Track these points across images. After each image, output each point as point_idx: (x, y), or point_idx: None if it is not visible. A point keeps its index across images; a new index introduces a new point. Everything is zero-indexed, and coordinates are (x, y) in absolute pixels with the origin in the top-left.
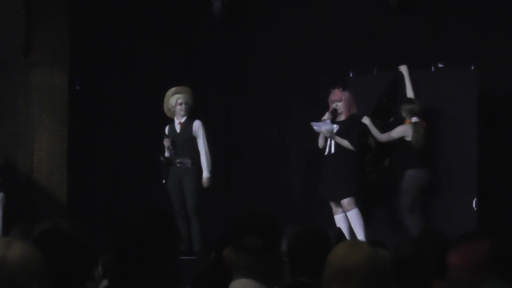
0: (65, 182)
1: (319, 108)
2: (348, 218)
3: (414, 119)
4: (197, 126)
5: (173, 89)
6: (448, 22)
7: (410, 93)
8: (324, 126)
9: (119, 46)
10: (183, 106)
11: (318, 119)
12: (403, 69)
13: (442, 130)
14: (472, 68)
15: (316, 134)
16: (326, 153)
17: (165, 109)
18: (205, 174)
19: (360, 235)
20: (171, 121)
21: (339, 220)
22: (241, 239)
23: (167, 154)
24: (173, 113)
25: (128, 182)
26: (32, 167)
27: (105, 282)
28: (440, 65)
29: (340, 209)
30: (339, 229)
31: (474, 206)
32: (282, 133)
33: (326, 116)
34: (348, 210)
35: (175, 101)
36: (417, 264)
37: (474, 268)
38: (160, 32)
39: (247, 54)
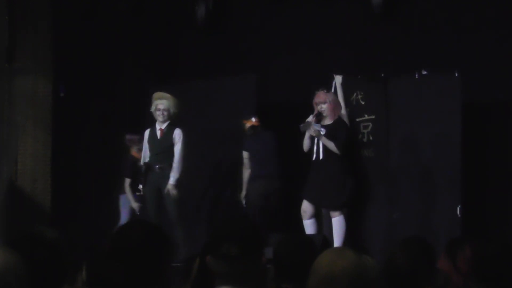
0: (48, 189)
1: (302, 113)
2: (332, 224)
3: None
4: (178, 134)
5: (156, 94)
6: (432, 29)
7: (341, 103)
8: (308, 126)
9: (103, 53)
10: (162, 112)
11: (302, 123)
12: (337, 79)
13: (425, 137)
14: (456, 75)
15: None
16: (313, 158)
17: (151, 111)
18: (171, 181)
19: (337, 243)
20: (152, 125)
21: (308, 225)
22: (218, 247)
23: (145, 159)
24: (155, 117)
25: (111, 189)
26: (16, 174)
27: None
28: (424, 72)
29: (310, 214)
30: (325, 236)
31: (458, 213)
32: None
33: (310, 118)
34: (334, 217)
35: (155, 106)
36: (410, 272)
37: (463, 274)
38: (144, 38)
39: (230, 61)
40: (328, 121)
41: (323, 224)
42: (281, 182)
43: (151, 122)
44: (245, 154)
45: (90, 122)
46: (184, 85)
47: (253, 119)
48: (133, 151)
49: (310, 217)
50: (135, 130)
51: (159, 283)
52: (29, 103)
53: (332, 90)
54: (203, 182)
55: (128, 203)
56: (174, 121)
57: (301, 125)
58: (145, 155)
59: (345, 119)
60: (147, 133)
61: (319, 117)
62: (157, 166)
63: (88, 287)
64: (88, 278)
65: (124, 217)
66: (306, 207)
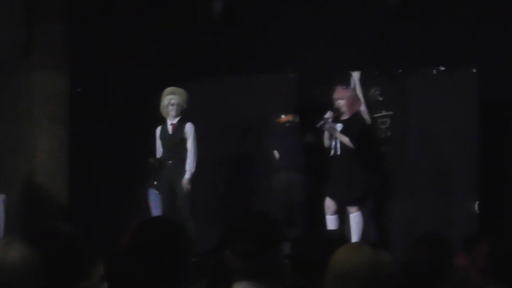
0: (66, 184)
1: (321, 108)
2: (350, 220)
3: None
4: (189, 128)
5: (168, 89)
6: (449, 24)
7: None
8: (325, 123)
9: (120, 48)
10: (175, 107)
11: (320, 119)
12: (355, 75)
13: (442, 133)
14: (473, 71)
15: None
16: (332, 153)
17: (160, 108)
18: (187, 175)
19: (355, 239)
20: (164, 122)
21: (330, 220)
22: (234, 243)
23: (158, 156)
24: (166, 113)
25: (129, 184)
26: (33, 170)
27: (105, 285)
28: (441, 68)
29: (334, 210)
30: (342, 231)
31: (476, 209)
32: (259, 135)
33: (328, 114)
34: (352, 212)
35: (168, 101)
36: (430, 268)
37: (480, 270)
38: (161, 33)
39: (247, 56)
40: (345, 117)
41: (346, 220)
42: (303, 174)
43: (162, 120)
44: (276, 153)
45: (107, 117)
46: (217, 80)
47: (284, 116)
48: None
49: (334, 213)
50: (153, 126)
51: (178, 279)
52: (46, 98)
53: (351, 86)
54: (220, 178)
55: (158, 198)
56: (184, 116)
57: (318, 124)
58: (158, 151)
59: (365, 115)
60: (158, 130)
61: (338, 113)
62: (169, 161)
63: (106, 282)
64: (106, 273)
65: (155, 213)
66: (329, 202)
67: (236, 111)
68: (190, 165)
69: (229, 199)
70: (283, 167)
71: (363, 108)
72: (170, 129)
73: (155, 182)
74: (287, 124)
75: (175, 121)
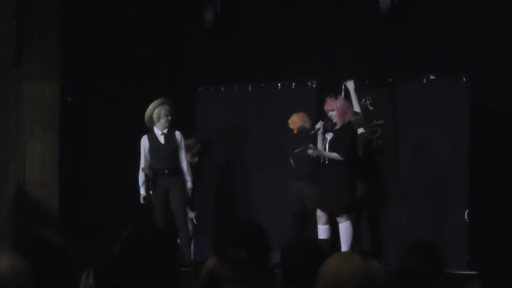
0: (56, 194)
1: (313, 117)
2: (339, 229)
3: (360, 130)
4: (180, 137)
5: (160, 100)
6: (439, 33)
7: (356, 107)
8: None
9: (110, 58)
10: (169, 118)
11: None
12: (349, 84)
13: (433, 142)
14: (464, 79)
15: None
16: (320, 162)
17: (147, 118)
18: (189, 184)
19: (344, 249)
20: (148, 132)
21: (322, 230)
22: (225, 250)
23: (146, 165)
24: (155, 123)
25: (119, 193)
26: (23, 179)
27: None
28: (432, 77)
29: (325, 220)
30: (330, 240)
31: (466, 217)
32: (274, 142)
33: (319, 125)
34: (341, 222)
35: (163, 112)
36: (422, 276)
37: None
38: (151, 43)
39: (238, 65)
40: (337, 127)
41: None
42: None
43: (145, 129)
44: (291, 161)
45: (97, 126)
46: (241, 86)
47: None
48: (187, 156)
49: (325, 223)
50: (144, 134)
51: None
52: (37, 108)
53: (342, 96)
54: (222, 186)
55: None
56: (172, 125)
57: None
58: (145, 161)
59: (361, 123)
60: (145, 140)
61: (329, 124)
62: (166, 170)
63: None
64: (96, 282)
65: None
66: (320, 212)
67: (252, 118)
68: (189, 175)
69: (230, 207)
70: (296, 176)
71: (360, 114)
72: (161, 138)
73: (143, 192)
74: (296, 132)
75: (165, 130)
